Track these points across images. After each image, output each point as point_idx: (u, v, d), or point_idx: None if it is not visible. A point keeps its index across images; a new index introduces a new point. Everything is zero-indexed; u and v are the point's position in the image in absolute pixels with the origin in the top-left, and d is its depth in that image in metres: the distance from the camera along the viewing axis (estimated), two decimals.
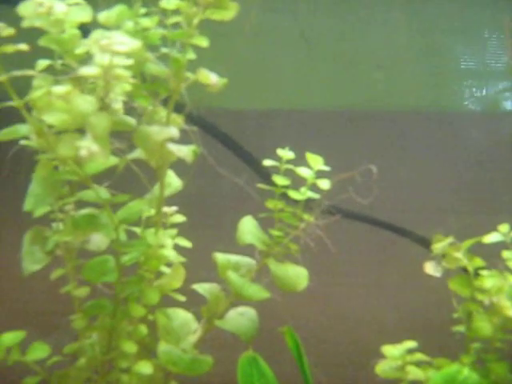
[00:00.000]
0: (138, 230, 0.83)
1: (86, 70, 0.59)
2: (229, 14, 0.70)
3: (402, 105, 1.31)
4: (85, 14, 0.72)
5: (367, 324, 1.13)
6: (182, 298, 0.87)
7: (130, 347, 0.78)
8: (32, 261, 0.81)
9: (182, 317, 0.88)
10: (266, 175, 1.03)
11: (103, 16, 0.64)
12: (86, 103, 0.64)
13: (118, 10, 0.64)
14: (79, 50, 0.73)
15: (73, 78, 0.72)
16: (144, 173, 0.77)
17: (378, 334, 1.08)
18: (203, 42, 0.66)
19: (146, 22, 0.64)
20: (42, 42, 0.75)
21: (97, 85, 0.73)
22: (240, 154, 1.02)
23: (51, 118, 0.65)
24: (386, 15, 1.35)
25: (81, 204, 0.83)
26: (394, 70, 1.35)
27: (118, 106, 0.75)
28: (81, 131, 0.72)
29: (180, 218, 0.89)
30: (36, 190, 0.81)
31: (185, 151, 0.69)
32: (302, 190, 0.86)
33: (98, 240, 0.83)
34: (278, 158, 0.85)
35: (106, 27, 0.68)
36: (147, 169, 0.78)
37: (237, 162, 1.10)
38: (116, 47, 0.56)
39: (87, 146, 0.60)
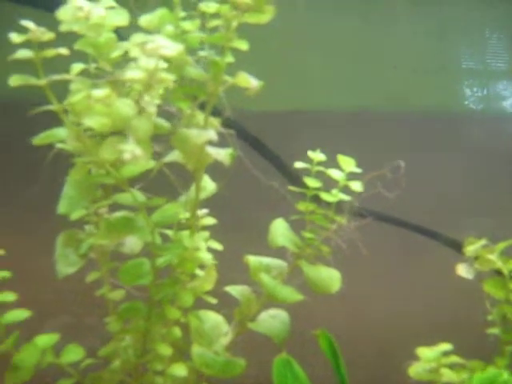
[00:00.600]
0: (169, 232, 0.84)
1: (131, 74, 0.59)
2: (265, 17, 0.71)
3: (425, 105, 1.31)
4: (121, 18, 0.72)
5: (398, 325, 1.13)
6: (214, 301, 0.88)
7: (165, 350, 0.78)
8: (66, 263, 0.82)
9: (213, 319, 0.88)
10: (293, 177, 1.03)
11: (145, 19, 0.64)
12: (126, 107, 0.64)
13: (160, 13, 0.64)
14: (115, 54, 0.74)
15: (109, 82, 0.73)
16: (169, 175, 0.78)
17: (408, 335, 1.08)
18: (243, 46, 0.66)
19: (188, 26, 0.64)
20: (78, 45, 0.75)
21: (132, 88, 0.74)
22: (269, 157, 1.03)
23: (91, 122, 0.65)
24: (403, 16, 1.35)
25: (112, 207, 0.84)
26: (412, 71, 1.35)
27: (153, 109, 0.75)
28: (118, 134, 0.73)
29: (210, 221, 0.89)
30: (70, 192, 0.82)
31: (223, 154, 0.69)
32: (334, 191, 0.86)
33: (133, 243, 0.83)
34: (308, 160, 0.86)
35: (145, 31, 0.68)
36: (173, 171, 0.78)
37: (262, 163, 1.10)
38: (162, 51, 0.57)
39: (130, 149, 0.60)
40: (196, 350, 0.81)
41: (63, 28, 0.72)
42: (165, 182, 0.79)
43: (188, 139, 0.65)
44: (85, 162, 0.74)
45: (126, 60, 0.78)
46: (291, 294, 0.80)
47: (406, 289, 1.16)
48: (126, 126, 0.64)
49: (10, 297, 0.76)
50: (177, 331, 0.81)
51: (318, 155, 0.86)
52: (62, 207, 0.81)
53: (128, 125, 0.63)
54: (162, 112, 0.78)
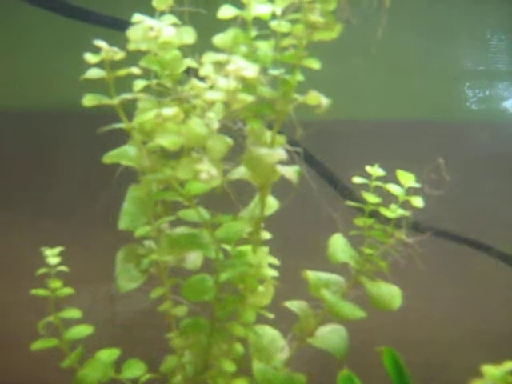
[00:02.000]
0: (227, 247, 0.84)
1: (212, 95, 0.59)
2: (333, 34, 0.71)
3: (468, 114, 1.30)
4: (189, 37, 0.73)
5: (447, 339, 1.12)
6: (271, 316, 0.88)
7: (229, 366, 0.78)
8: (127, 279, 0.82)
9: (270, 334, 0.88)
10: (345, 192, 1.03)
11: (218, 39, 0.65)
12: (200, 126, 0.64)
13: (233, 32, 0.64)
14: (179, 71, 0.75)
15: (176, 99, 0.74)
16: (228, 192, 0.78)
17: (462, 349, 1.07)
18: (314, 64, 0.66)
19: (263, 45, 0.65)
20: (143, 62, 0.76)
21: (195, 105, 0.74)
22: (321, 171, 1.02)
23: (163, 141, 0.66)
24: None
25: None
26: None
27: (216, 126, 0.75)
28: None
29: (266, 235, 0.89)
30: (130, 208, 0.82)
31: (291, 172, 0.69)
32: (393, 207, 0.85)
33: (194, 258, 0.83)
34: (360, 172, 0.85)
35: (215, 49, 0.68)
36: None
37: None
38: (243, 73, 0.57)
39: (207, 169, 0.61)
40: (257, 365, 0.81)
41: (131, 47, 0.73)
42: (214, 198, 0.80)
43: (260, 158, 0.65)
44: (151, 179, 0.74)
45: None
46: (354, 311, 0.80)
47: (457, 302, 1.15)
48: (199, 145, 0.64)
49: (75, 313, 0.76)
50: (239, 347, 0.81)
51: (376, 170, 0.85)
52: (123, 223, 0.82)
53: (202, 144, 0.64)
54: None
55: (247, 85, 0.64)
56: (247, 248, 0.81)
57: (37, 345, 0.75)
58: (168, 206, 0.83)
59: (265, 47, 0.64)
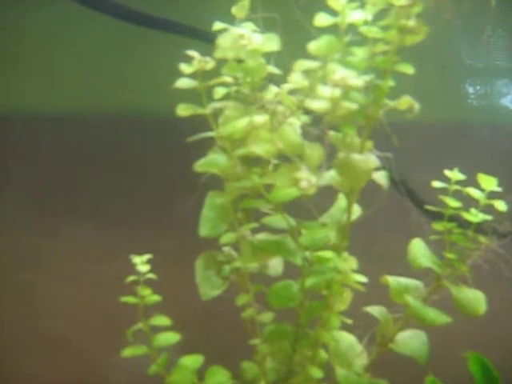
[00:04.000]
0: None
1: (318, 104, 0.59)
2: (418, 37, 0.70)
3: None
4: (274, 44, 0.73)
5: None
6: (349, 321, 0.87)
7: (316, 372, 0.78)
8: (209, 286, 0.83)
9: (347, 339, 0.88)
10: (415, 197, 1.03)
11: (313, 45, 0.65)
12: (294, 134, 0.64)
13: (327, 39, 0.64)
14: (261, 77, 0.75)
15: (260, 107, 0.74)
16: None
17: None
18: (407, 69, 0.65)
19: (358, 52, 0.64)
20: (225, 70, 0.77)
21: (275, 111, 0.74)
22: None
23: (257, 149, 0.66)
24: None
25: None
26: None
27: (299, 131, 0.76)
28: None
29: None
30: (210, 215, 0.83)
31: (382, 177, 0.69)
32: (473, 211, 0.85)
33: (276, 264, 0.83)
34: (446, 179, 0.85)
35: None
36: None
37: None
38: (350, 81, 0.57)
39: (306, 177, 0.61)
40: (340, 371, 0.81)
41: (218, 55, 0.73)
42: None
43: (354, 164, 0.65)
44: (238, 187, 0.74)
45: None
46: (439, 316, 0.79)
47: None
48: (294, 152, 0.64)
49: (165, 321, 0.77)
50: (323, 353, 0.81)
51: (456, 174, 0.84)
52: (203, 230, 0.83)
53: (298, 152, 0.64)
54: None
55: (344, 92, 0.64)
56: (327, 253, 0.81)
57: (127, 352, 0.76)
58: (248, 213, 0.83)
59: (360, 53, 0.64)
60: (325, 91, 0.59)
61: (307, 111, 0.75)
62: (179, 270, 0.96)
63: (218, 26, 0.77)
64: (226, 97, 0.78)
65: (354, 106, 0.60)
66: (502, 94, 1.33)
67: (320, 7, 0.79)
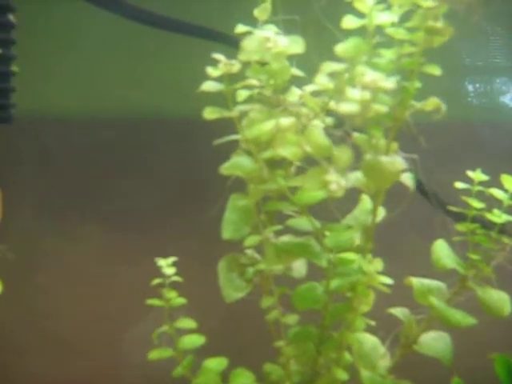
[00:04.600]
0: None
1: (347, 107, 0.59)
2: (444, 38, 0.70)
3: None
4: (299, 46, 0.73)
5: None
6: (372, 323, 0.87)
7: (341, 374, 0.78)
8: (233, 288, 0.83)
9: (370, 341, 0.87)
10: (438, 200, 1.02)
11: (341, 48, 0.64)
12: (322, 136, 0.64)
13: (354, 41, 0.64)
14: (285, 80, 0.75)
15: (284, 109, 0.74)
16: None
17: None
18: (435, 71, 0.65)
19: (387, 54, 0.64)
20: (249, 72, 0.77)
21: (297, 113, 0.74)
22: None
23: (284, 151, 0.66)
24: None
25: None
26: None
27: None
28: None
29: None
30: (233, 217, 0.83)
31: (409, 179, 0.69)
32: (496, 212, 0.84)
33: (299, 267, 0.84)
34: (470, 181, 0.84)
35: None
36: None
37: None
38: (381, 84, 0.57)
39: (336, 180, 0.61)
40: (365, 373, 0.81)
41: (243, 57, 0.73)
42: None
43: (382, 166, 0.65)
44: (262, 189, 0.74)
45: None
46: (465, 318, 0.79)
47: None
48: (323, 155, 0.64)
49: (190, 324, 0.77)
50: (347, 355, 0.81)
51: (479, 175, 0.84)
52: (227, 232, 0.83)
53: (326, 154, 0.64)
54: None
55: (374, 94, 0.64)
56: (351, 255, 0.80)
57: (153, 354, 0.76)
58: (271, 215, 0.83)
59: (388, 55, 0.64)
60: (354, 93, 0.58)
61: (329, 113, 0.75)
62: (200, 273, 0.97)
63: (240, 28, 0.77)
64: (249, 99, 0.78)
65: (384, 109, 0.60)
66: (501, 92, 1.32)
67: (341, 8, 0.79)
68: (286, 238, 0.81)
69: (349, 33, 0.73)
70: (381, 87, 0.57)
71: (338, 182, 0.61)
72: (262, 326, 0.84)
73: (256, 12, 0.78)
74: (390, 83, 0.57)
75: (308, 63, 0.79)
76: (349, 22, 0.64)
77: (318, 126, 0.68)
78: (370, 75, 0.57)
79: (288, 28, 0.79)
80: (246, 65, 0.77)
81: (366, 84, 0.57)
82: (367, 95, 0.58)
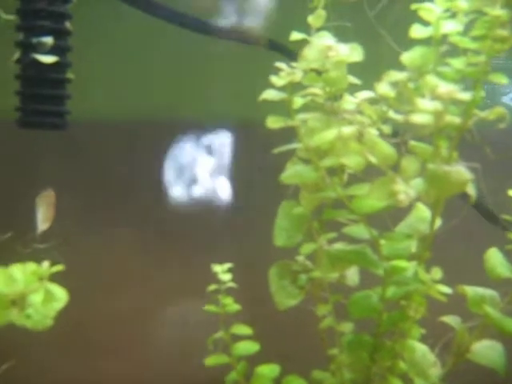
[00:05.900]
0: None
1: (418, 118, 0.59)
2: (508, 46, 0.69)
3: None
4: (357, 54, 0.73)
5: None
6: (422, 330, 0.87)
7: (397, 383, 0.77)
8: (285, 295, 0.82)
9: (420, 349, 0.87)
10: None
11: (407, 57, 0.64)
12: (388, 146, 0.64)
13: (421, 50, 0.64)
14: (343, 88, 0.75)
15: (340, 118, 0.74)
16: None
17: None
18: (501, 79, 0.65)
19: (455, 63, 0.64)
20: (305, 80, 0.77)
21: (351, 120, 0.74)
22: None
23: (348, 161, 0.66)
24: None
25: None
26: None
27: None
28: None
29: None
30: (284, 225, 0.83)
31: (471, 187, 0.68)
32: None
33: (352, 275, 0.83)
34: None
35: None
36: None
37: None
38: (457, 95, 0.56)
39: (404, 190, 0.60)
40: (418, 382, 0.81)
41: (302, 66, 0.73)
42: None
43: (448, 176, 0.64)
44: (320, 197, 0.74)
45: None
46: None
47: None
48: (388, 164, 0.64)
49: (246, 330, 0.77)
50: (402, 364, 0.80)
51: None
52: (279, 239, 0.83)
53: (391, 164, 0.63)
54: None
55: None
56: (407, 264, 0.80)
57: (210, 361, 0.76)
58: (323, 223, 0.83)
59: (456, 64, 0.63)
60: (426, 104, 0.58)
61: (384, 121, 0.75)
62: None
63: (296, 36, 0.77)
64: (303, 108, 0.78)
65: (456, 120, 0.60)
66: (502, 93, 1.31)
67: (393, 16, 0.79)
68: (340, 246, 0.81)
69: (399, 40, 0.73)
70: (456, 98, 0.57)
71: (406, 191, 0.60)
72: (305, 334, 0.84)
73: (310, 19, 0.78)
74: (466, 95, 0.57)
75: (353, 69, 0.79)
76: (417, 31, 0.64)
77: (377, 135, 0.67)
78: (444, 86, 0.57)
79: (339, 35, 0.79)
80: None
81: (440, 95, 0.57)
82: (439, 106, 0.57)
